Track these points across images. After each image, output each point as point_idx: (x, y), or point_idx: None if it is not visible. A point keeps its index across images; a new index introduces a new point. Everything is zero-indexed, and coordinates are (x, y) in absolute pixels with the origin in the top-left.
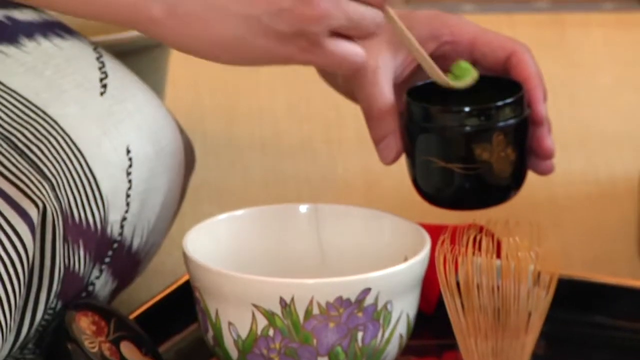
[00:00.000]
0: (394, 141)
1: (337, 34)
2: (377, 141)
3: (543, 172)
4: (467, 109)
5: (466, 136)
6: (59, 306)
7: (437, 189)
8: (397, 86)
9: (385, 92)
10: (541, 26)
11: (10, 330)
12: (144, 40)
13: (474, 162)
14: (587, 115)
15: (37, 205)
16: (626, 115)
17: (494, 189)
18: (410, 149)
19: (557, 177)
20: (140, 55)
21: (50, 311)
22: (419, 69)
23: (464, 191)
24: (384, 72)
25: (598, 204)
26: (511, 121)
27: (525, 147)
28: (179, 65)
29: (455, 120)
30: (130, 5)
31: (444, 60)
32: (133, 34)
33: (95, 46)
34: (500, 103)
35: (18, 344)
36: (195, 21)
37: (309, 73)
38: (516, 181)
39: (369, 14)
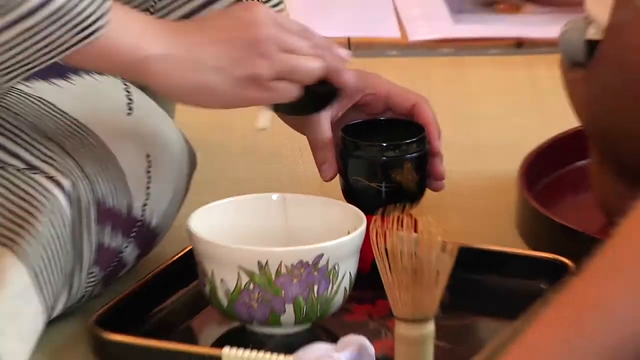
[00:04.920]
0: (331, 165)
1: (281, 78)
2: (320, 164)
3: (436, 189)
4: (385, 144)
5: (385, 164)
6: (97, 273)
7: (362, 200)
8: (333, 124)
9: (326, 129)
10: (446, 66)
11: (61, 287)
12: None
13: (390, 182)
14: (479, 132)
15: (70, 180)
16: (508, 131)
17: (402, 200)
18: (343, 170)
19: (458, 175)
20: None
21: (91, 275)
22: (348, 112)
23: (381, 202)
24: (325, 115)
25: (489, 194)
26: (417, 153)
27: (426, 171)
28: None
29: (377, 152)
30: (132, 45)
31: (366, 107)
32: None
33: (124, 80)
34: (409, 140)
35: (69, 302)
36: (180, 68)
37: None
38: (419, 195)
39: (305, 65)
